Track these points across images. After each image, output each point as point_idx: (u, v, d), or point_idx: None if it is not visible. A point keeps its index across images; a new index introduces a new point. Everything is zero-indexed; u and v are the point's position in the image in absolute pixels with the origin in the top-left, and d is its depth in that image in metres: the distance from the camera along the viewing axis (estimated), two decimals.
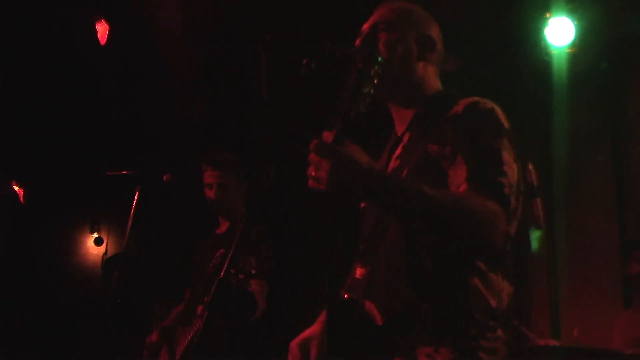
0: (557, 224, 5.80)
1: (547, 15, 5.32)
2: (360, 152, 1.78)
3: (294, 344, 2.23)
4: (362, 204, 2.36)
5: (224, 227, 4.21)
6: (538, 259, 5.82)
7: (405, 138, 2.21)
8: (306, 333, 2.29)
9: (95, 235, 8.13)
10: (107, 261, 7.31)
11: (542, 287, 6.06)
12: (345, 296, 1.95)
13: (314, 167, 1.78)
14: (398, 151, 2.20)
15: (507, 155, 1.95)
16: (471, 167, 1.92)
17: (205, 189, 4.13)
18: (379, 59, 1.85)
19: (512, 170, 1.94)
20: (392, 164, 2.19)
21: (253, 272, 3.25)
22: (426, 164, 2.00)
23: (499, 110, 2.05)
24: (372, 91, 1.79)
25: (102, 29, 5.83)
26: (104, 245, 8.05)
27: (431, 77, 2.28)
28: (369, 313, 1.96)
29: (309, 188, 1.80)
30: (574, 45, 5.34)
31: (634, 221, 5.60)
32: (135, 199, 4.19)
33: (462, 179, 1.92)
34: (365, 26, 2.30)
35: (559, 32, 5.31)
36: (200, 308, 3.72)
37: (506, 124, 2.03)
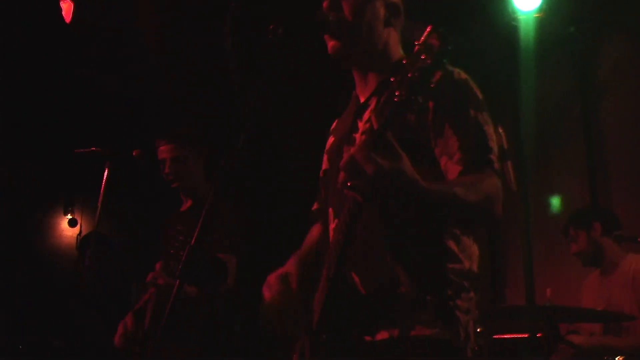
0: (529, 186, 5.86)
1: None
2: (399, 158, 1.73)
3: (272, 276, 2.27)
4: (321, 174, 2.39)
5: (186, 204, 4.12)
6: (511, 222, 5.88)
7: (373, 102, 2.21)
8: (283, 269, 2.32)
9: (70, 216, 8.06)
10: (82, 241, 7.24)
11: (516, 249, 6.14)
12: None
13: (352, 174, 1.71)
14: (366, 115, 2.20)
15: (489, 128, 2.02)
16: (462, 141, 1.97)
17: (160, 166, 4.02)
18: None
19: (494, 143, 2.02)
20: (362, 127, 2.19)
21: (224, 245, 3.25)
22: (404, 132, 2.02)
23: (471, 81, 2.09)
24: (420, 100, 1.70)
25: (66, 7, 5.74)
26: (78, 226, 7.98)
27: (395, 43, 2.30)
28: (353, 284, 1.99)
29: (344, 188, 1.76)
30: (541, 9, 5.37)
31: (603, 182, 5.67)
32: (105, 176, 4.14)
33: (455, 149, 1.97)
34: None
35: None
36: (150, 275, 3.66)
37: (480, 95, 2.08)
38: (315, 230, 2.52)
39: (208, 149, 4.12)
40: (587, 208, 4.90)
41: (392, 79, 1.68)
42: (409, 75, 1.64)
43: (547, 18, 5.44)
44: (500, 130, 2.48)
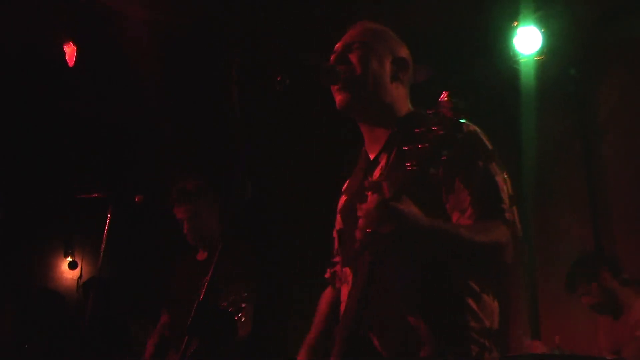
0: (531, 230, 5.83)
1: (515, 24, 5.37)
2: (415, 208, 1.80)
3: None
4: (338, 227, 2.37)
5: (204, 254, 4.14)
6: (514, 268, 5.83)
7: (383, 159, 2.20)
8: None
9: (70, 259, 8.01)
10: (85, 284, 7.20)
11: (521, 295, 6.07)
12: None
13: (373, 222, 1.78)
14: (377, 173, 2.20)
15: (500, 179, 2.02)
16: (474, 195, 1.98)
17: (179, 226, 4.09)
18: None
19: (504, 193, 2.01)
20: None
21: (244, 295, 3.23)
22: (414, 186, 2.02)
23: (481, 132, 2.08)
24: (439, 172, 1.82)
25: (70, 51, 5.76)
26: (78, 269, 7.92)
27: (403, 97, 2.32)
28: (371, 346, 1.96)
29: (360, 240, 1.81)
30: (541, 53, 5.40)
31: (605, 223, 5.65)
32: (108, 221, 4.15)
33: (467, 204, 1.97)
34: (339, 45, 2.32)
35: (527, 41, 5.36)
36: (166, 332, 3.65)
37: (490, 145, 2.07)
38: (325, 299, 2.51)
39: (217, 194, 4.15)
40: (589, 257, 4.75)
41: (404, 148, 1.68)
42: (420, 147, 1.64)
43: (547, 60, 5.47)
44: (505, 176, 2.48)
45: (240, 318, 3.55)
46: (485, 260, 1.94)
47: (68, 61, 5.69)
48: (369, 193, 2.14)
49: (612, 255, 4.80)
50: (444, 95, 1.68)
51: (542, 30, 5.33)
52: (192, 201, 4.04)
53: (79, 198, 4.33)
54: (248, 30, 5.33)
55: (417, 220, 1.78)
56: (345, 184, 2.49)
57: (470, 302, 2.00)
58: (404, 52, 2.34)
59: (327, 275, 2.54)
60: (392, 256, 1.86)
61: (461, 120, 1.78)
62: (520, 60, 5.49)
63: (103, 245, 4.17)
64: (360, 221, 1.81)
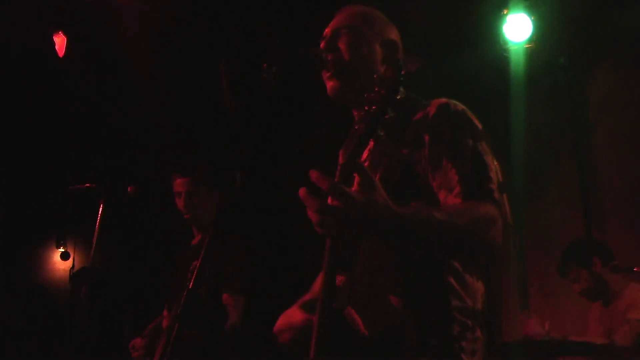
0: (522, 219, 5.85)
1: (505, 12, 5.37)
2: (371, 187, 1.68)
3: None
4: None
5: (197, 237, 4.16)
6: (505, 255, 5.84)
7: (370, 142, 2.21)
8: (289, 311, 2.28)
9: (62, 249, 8.02)
10: (74, 275, 7.21)
11: (511, 283, 6.11)
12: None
13: (324, 211, 1.67)
14: (365, 154, 2.19)
15: (489, 158, 1.96)
16: (462, 172, 1.91)
17: (175, 198, 4.09)
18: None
19: (494, 172, 1.96)
20: None
21: (236, 288, 3.23)
22: (399, 168, 1.99)
23: (469, 112, 2.06)
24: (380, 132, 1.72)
25: (59, 41, 5.75)
26: (70, 259, 7.94)
27: None
28: (352, 321, 1.95)
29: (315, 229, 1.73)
30: (531, 40, 5.40)
31: (596, 213, 5.68)
32: (100, 212, 4.16)
33: (455, 182, 1.91)
34: (328, 30, 2.30)
35: (517, 28, 5.37)
36: (165, 322, 3.68)
37: (479, 125, 2.04)
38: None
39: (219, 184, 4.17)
40: (580, 243, 4.75)
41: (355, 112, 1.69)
42: (366, 108, 1.66)
43: (537, 49, 5.47)
44: (495, 163, 2.50)
45: (229, 309, 3.58)
46: (470, 241, 1.86)
47: (58, 51, 5.68)
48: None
49: (603, 242, 4.82)
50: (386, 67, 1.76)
51: (532, 17, 5.33)
52: (195, 178, 4.05)
53: (71, 189, 4.33)
54: (237, 21, 5.32)
55: (376, 208, 1.67)
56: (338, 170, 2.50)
57: (452, 281, 1.97)
58: (393, 34, 2.32)
59: None
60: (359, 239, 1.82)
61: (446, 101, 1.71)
62: (510, 48, 5.50)
63: (95, 236, 4.18)
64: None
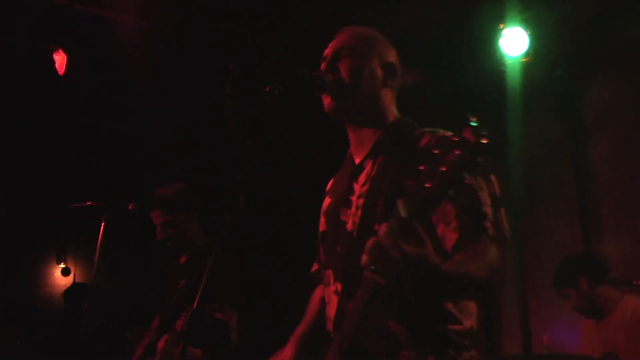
0: (520, 231, 5.86)
1: (501, 26, 5.41)
2: (424, 245, 1.79)
3: None
4: (321, 229, 2.39)
5: (184, 257, 4.16)
6: (504, 269, 5.85)
7: (368, 165, 2.23)
8: (280, 354, 2.32)
9: (63, 265, 8.03)
10: (67, 291, 7.21)
11: (510, 295, 6.11)
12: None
13: (377, 259, 1.76)
14: (362, 178, 2.22)
15: (484, 194, 2.02)
16: (458, 209, 1.98)
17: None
18: None
19: (488, 208, 2.01)
20: (358, 190, 2.22)
21: (229, 303, 3.25)
22: (400, 193, 2.04)
23: None
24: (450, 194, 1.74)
25: (60, 59, 5.78)
26: (71, 275, 7.95)
27: (390, 102, 2.33)
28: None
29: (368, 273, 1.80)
30: (528, 54, 5.44)
31: (594, 224, 5.70)
32: (102, 229, 4.17)
33: (452, 217, 1.99)
34: (328, 51, 2.33)
35: (513, 42, 5.41)
36: (162, 340, 3.68)
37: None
38: (316, 297, 2.52)
39: (202, 201, 4.16)
40: (569, 262, 4.67)
41: (421, 168, 1.68)
42: (442, 169, 1.64)
43: (533, 62, 5.51)
44: (493, 178, 2.54)
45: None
46: (480, 285, 1.99)
47: (58, 69, 5.72)
48: (353, 198, 2.18)
49: (595, 259, 4.79)
50: (463, 128, 1.68)
51: (529, 32, 5.38)
52: (167, 208, 4.04)
53: (73, 207, 4.34)
54: (243, 38, 5.37)
55: (423, 261, 1.78)
56: (330, 184, 2.50)
57: (449, 305, 2.04)
58: (392, 57, 2.35)
59: (313, 269, 2.58)
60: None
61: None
62: (507, 62, 5.53)
63: (97, 253, 4.19)
64: (368, 249, 1.79)
